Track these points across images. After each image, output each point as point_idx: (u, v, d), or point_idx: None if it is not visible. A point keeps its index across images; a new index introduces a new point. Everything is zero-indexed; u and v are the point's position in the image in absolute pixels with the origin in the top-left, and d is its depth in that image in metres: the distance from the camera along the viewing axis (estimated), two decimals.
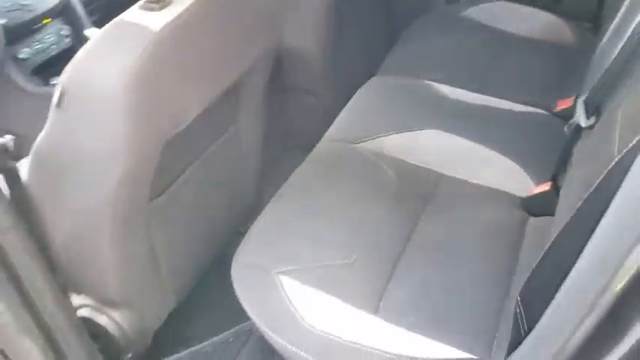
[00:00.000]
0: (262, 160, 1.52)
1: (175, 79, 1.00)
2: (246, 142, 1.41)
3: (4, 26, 1.63)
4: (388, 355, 0.98)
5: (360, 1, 1.75)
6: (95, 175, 1.00)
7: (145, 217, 1.13)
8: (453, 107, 1.49)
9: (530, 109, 1.47)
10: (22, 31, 1.75)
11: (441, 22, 1.85)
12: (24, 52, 1.76)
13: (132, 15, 0.97)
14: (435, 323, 1.02)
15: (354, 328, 1.02)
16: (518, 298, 0.77)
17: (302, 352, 1.00)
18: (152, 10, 0.97)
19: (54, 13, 1.80)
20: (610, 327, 0.56)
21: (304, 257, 1.10)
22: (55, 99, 0.96)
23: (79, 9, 1.84)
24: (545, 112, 1.46)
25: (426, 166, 1.35)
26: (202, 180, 1.29)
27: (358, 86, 1.58)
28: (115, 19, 0.98)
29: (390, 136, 1.40)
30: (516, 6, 1.81)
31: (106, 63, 0.93)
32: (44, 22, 1.81)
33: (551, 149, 1.28)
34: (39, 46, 1.80)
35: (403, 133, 1.40)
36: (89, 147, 0.98)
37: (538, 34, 1.73)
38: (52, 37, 1.84)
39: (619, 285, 0.54)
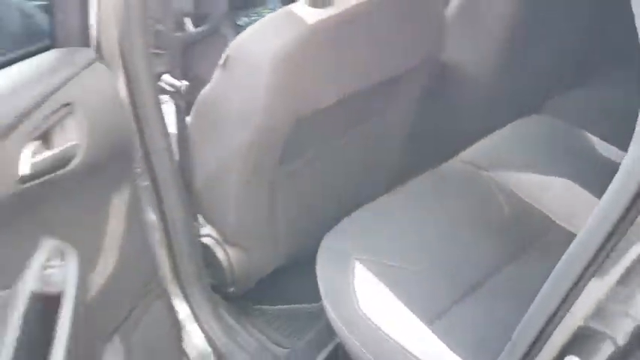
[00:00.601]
0: (400, 162, 1.61)
1: (317, 67, 1.15)
2: (387, 140, 1.52)
3: None
4: None
5: (556, 35, 1.71)
6: (235, 130, 1.21)
7: (271, 177, 1.32)
8: (601, 165, 1.43)
9: None
10: (246, 1, 2.05)
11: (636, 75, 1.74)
12: (242, 20, 2.06)
13: (297, 6, 1.14)
14: (479, 354, 1.05)
15: (403, 330, 1.09)
16: None
17: (348, 333, 1.11)
18: (315, 6, 1.14)
19: None
20: None
21: (384, 252, 1.20)
22: (221, 60, 1.18)
23: None
24: None
25: (545, 212, 1.34)
26: (335, 160, 1.42)
27: (519, 116, 1.59)
28: (284, 7, 1.16)
29: (521, 174, 1.41)
30: None
31: (262, 41, 1.12)
32: None
33: None
34: (256, 17, 2.09)
35: (535, 175, 1.40)
36: (235, 105, 1.18)
37: None
38: (269, 12, 2.11)
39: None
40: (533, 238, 1.28)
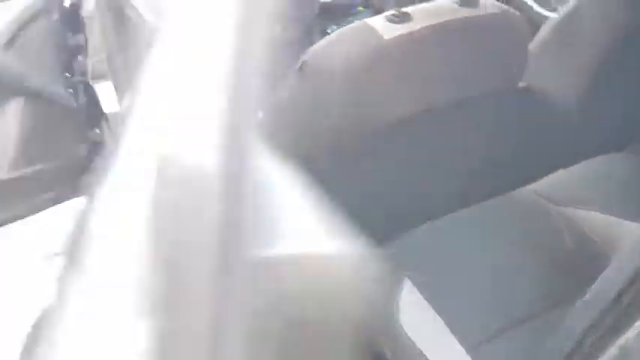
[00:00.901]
0: (468, 186, 1.58)
1: (387, 82, 1.17)
2: (455, 162, 1.49)
3: (324, 2, 1.99)
4: None
5: None
6: (300, 135, 1.24)
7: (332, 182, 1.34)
8: None
9: None
10: (338, 10, 2.10)
11: None
12: (332, 29, 2.10)
13: (375, 21, 1.16)
14: None
15: (442, 352, 1.08)
16: None
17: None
18: (393, 22, 1.15)
19: (367, 4, 2.11)
20: None
21: (435, 271, 1.18)
22: (297, 65, 1.22)
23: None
24: None
25: (612, 255, 1.27)
26: (398, 175, 1.43)
27: (602, 153, 1.53)
28: (363, 20, 1.19)
29: (593, 213, 1.35)
30: None
31: (337, 51, 1.16)
32: (359, 9, 2.14)
33: None
34: None
35: (608, 216, 1.34)
36: (303, 107, 1.22)
37: None
38: None
39: None
40: (595, 279, 1.23)
